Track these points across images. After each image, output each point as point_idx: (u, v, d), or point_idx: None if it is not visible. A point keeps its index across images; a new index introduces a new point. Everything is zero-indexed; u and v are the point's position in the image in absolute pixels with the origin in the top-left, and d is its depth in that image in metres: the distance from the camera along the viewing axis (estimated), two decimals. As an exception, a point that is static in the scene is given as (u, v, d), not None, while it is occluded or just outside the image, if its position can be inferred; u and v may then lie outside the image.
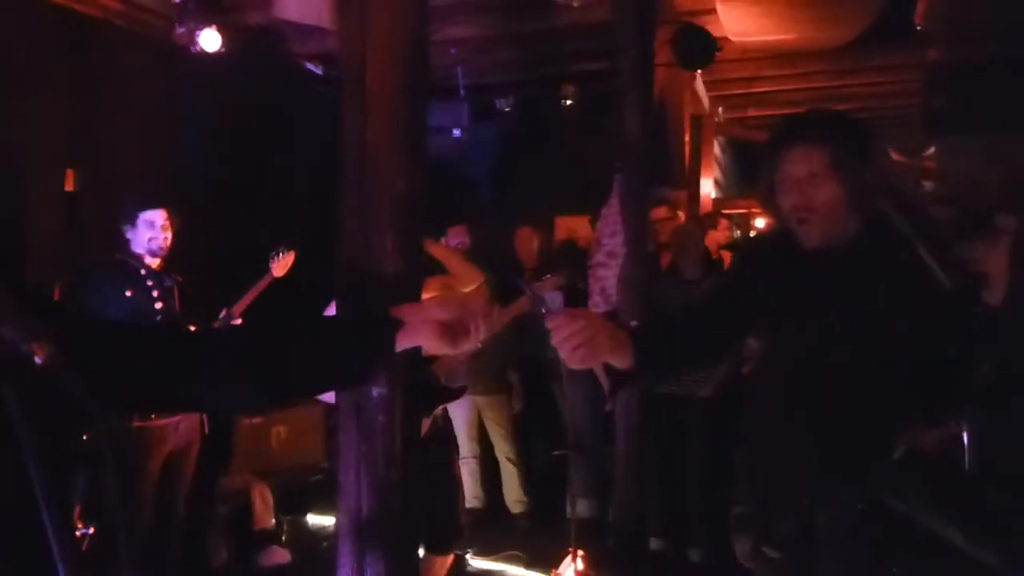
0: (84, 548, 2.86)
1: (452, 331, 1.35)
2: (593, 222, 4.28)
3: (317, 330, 1.43)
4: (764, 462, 1.89)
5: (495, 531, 4.47)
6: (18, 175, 3.64)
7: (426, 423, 2.95)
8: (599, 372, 1.68)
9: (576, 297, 4.09)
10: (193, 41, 4.26)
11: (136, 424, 3.30)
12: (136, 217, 3.36)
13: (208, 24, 4.29)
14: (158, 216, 3.39)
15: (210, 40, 4.26)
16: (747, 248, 2.36)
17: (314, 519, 4.89)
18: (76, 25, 3.95)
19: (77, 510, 3.03)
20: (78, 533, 2.84)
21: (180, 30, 4.27)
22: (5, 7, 3.55)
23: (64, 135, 3.92)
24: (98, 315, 3.23)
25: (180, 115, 4.31)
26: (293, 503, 4.73)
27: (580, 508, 4.35)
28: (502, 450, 4.66)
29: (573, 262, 4.54)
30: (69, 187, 3.90)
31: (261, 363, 1.29)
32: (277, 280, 3.90)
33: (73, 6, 3.93)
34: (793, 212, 1.68)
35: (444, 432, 3.22)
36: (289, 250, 3.93)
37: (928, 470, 1.94)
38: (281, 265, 3.91)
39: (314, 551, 4.51)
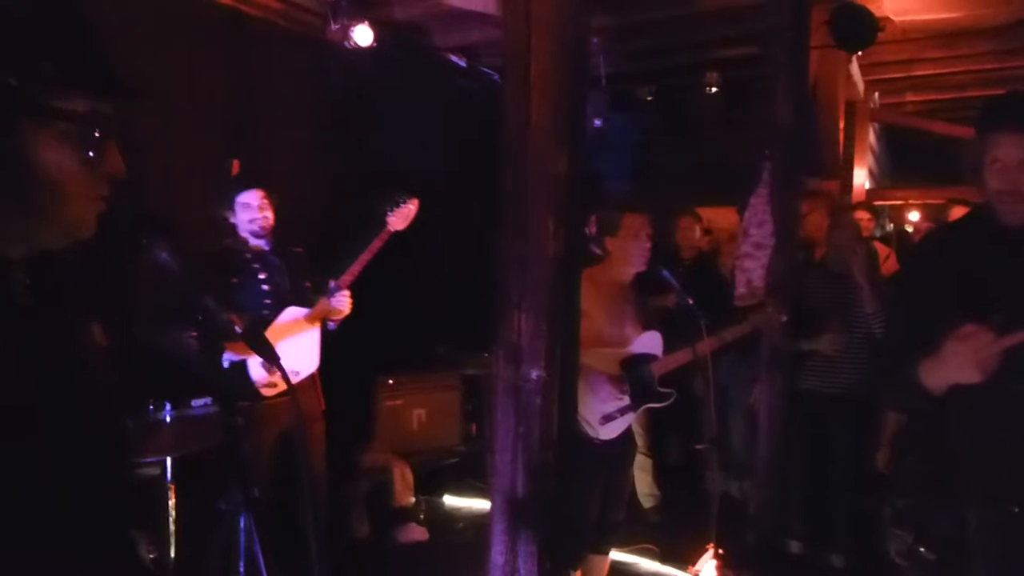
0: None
1: None
2: (740, 212, 4.15)
3: None
4: (932, 462, 1.84)
5: (627, 524, 4.44)
6: (188, 164, 3.90)
7: (629, 420, 2.96)
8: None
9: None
10: (347, 37, 4.43)
11: (244, 405, 3.27)
12: (233, 201, 3.39)
13: (360, 20, 4.45)
14: (254, 197, 3.38)
15: (362, 35, 4.42)
16: (930, 241, 2.25)
17: (450, 500, 5.01)
18: (239, 23, 4.20)
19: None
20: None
21: (334, 27, 4.44)
22: (175, 7, 3.80)
23: (230, 126, 4.18)
24: (204, 303, 3.38)
25: (333, 107, 4.51)
26: (430, 484, 4.87)
27: (718, 504, 4.24)
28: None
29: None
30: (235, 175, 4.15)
31: None
32: (398, 234, 3.50)
33: (239, 6, 4.17)
34: (1001, 196, 1.72)
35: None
36: (410, 197, 3.50)
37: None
38: (401, 216, 3.47)
39: (450, 531, 4.63)
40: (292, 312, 3.46)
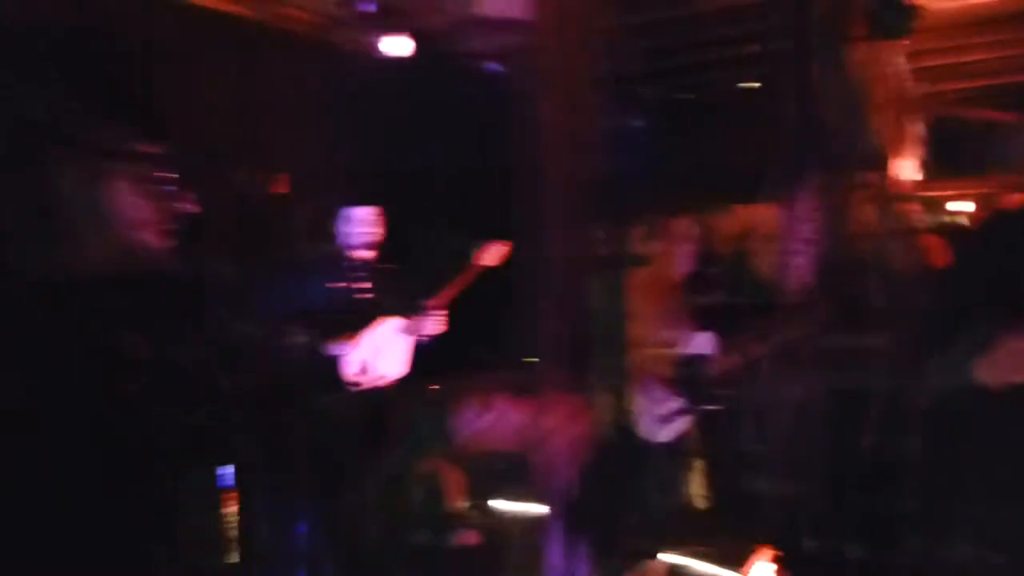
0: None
1: None
2: (785, 208, 4.10)
3: None
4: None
5: (676, 527, 4.41)
6: (216, 179, 3.97)
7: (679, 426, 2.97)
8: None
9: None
10: (379, 47, 4.49)
11: (329, 401, 3.55)
12: (347, 213, 3.61)
13: (392, 30, 4.50)
14: (367, 212, 3.64)
15: (395, 45, 4.47)
16: (984, 232, 2.22)
17: (501, 505, 5.02)
18: (268, 37, 4.26)
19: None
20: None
21: (366, 38, 4.51)
22: (199, 20, 3.87)
23: (255, 140, 4.24)
24: (310, 304, 3.52)
25: (366, 119, 4.55)
26: (481, 487, 4.89)
27: (775, 507, 4.18)
28: (688, 443, 4.58)
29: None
30: (281, 189, 4.22)
31: None
32: (488, 270, 3.98)
33: (276, 23, 4.24)
34: None
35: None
36: (503, 242, 3.97)
37: None
38: (492, 255, 3.97)
39: (502, 535, 4.63)
40: (390, 323, 3.74)
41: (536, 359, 4.92)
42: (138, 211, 1.07)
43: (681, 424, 2.97)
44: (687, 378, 2.96)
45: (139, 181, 1.07)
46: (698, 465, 4.55)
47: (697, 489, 4.60)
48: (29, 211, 1.01)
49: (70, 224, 1.04)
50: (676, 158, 6.02)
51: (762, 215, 5.33)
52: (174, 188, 1.10)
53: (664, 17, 4.72)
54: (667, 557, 4.08)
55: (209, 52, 3.88)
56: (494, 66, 5.40)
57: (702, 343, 3.05)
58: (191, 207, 1.12)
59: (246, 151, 4.09)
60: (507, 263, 4.05)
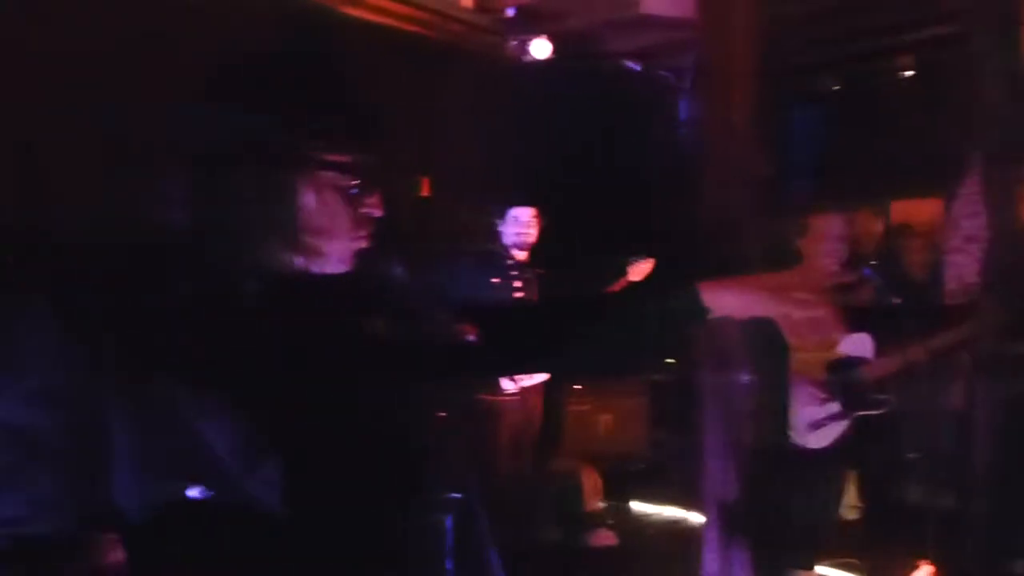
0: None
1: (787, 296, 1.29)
2: (948, 204, 3.86)
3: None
4: None
5: (836, 536, 4.24)
6: (382, 183, 4.15)
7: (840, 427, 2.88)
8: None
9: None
10: (524, 51, 4.56)
11: (484, 397, 3.64)
12: (506, 212, 3.71)
13: (537, 34, 4.57)
14: (526, 213, 3.71)
15: (540, 48, 4.54)
16: None
17: (638, 506, 5.00)
18: (424, 47, 4.42)
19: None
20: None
21: (512, 42, 4.59)
22: (364, 36, 4.06)
23: (419, 147, 4.40)
24: (466, 300, 3.64)
25: (515, 122, 4.64)
26: (617, 489, 4.88)
27: (930, 518, 3.95)
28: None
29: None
30: (424, 193, 4.38)
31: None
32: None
33: (424, 31, 4.39)
34: None
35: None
36: (648, 257, 4.04)
37: None
38: (638, 271, 4.03)
39: (640, 536, 4.61)
40: None
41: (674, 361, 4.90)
42: (331, 217, 1.14)
43: (834, 430, 2.84)
44: (842, 382, 2.83)
45: (332, 189, 1.15)
46: (854, 474, 4.36)
47: (853, 499, 4.40)
48: (244, 215, 1.11)
49: (272, 228, 1.12)
50: (827, 151, 5.79)
51: (920, 210, 5.04)
52: (364, 194, 1.18)
53: (822, 6, 4.53)
54: (822, 569, 3.94)
55: (382, 65, 4.08)
56: (651, 66, 5.38)
57: (858, 345, 2.91)
58: (378, 212, 1.19)
59: (417, 156, 4.29)
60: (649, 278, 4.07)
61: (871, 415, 2.97)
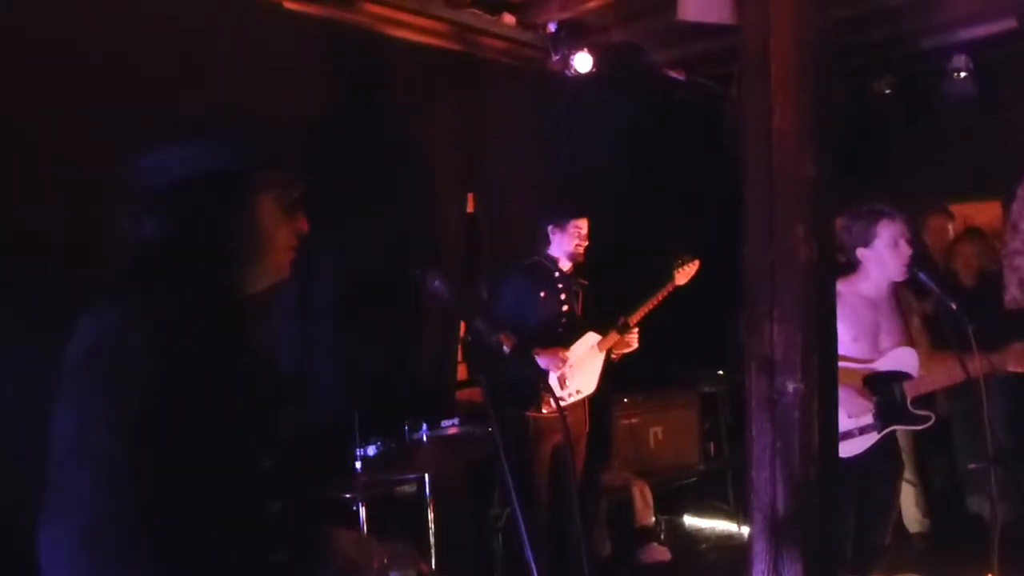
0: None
1: None
2: (1006, 205, 3.74)
3: None
4: None
5: (892, 551, 4.11)
6: (429, 200, 4.20)
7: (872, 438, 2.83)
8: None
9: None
10: (567, 66, 4.56)
11: (529, 414, 3.63)
12: (568, 221, 3.70)
13: (579, 48, 4.56)
14: (584, 224, 3.72)
15: (582, 62, 4.53)
16: None
17: (690, 520, 4.92)
18: (468, 66, 4.46)
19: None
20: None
21: (555, 57, 4.59)
22: (408, 56, 4.11)
23: (462, 163, 4.44)
24: (512, 311, 3.65)
25: (559, 136, 4.65)
26: (669, 503, 4.81)
27: (998, 533, 3.80)
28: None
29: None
30: (469, 209, 4.41)
31: None
32: (678, 288, 4.01)
33: (470, 51, 4.43)
34: None
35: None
36: (694, 259, 4.00)
37: None
38: (684, 274, 3.99)
39: (693, 551, 4.54)
40: (590, 337, 3.82)
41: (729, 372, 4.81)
42: (282, 235, 1.32)
43: (865, 441, 2.78)
44: (879, 396, 2.77)
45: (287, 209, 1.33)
46: (908, 488, 4.23)
47: (910, 513, 4.27)
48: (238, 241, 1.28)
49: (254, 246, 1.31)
50: (884, 154, 5.65)
51: (979, 212, 4.89)
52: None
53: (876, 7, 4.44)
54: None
55: (411, 83, 4.13)
56: (679, 74, 5.35)
57: (902, 359, 2.84)
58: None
59: (462, 173, 4.34)
60: (696, 281, 4.02)
61: (912, 428, 2.90)
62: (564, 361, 3.67)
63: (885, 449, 2.87)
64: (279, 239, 1.30)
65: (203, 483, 1.10)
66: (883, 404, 2.82)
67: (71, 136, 2.73)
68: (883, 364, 2.87)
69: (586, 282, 3.87)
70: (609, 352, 3.86)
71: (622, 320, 3.84)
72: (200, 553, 1.10)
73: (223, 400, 1.15)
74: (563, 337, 3.74)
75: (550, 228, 3.73)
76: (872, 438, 2.82)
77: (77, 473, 1.06)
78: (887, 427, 2.84)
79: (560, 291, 3.74)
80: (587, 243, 3.73)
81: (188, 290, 1.19)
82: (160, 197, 1.25)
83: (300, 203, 1.34)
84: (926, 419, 2.90)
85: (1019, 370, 2.83)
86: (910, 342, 2.92)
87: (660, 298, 3.92)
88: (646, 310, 3.88)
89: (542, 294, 3.69)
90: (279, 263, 1.33)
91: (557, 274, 3.75)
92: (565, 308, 3.74)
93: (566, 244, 3.70)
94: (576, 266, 3.81)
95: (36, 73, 2.70)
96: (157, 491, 1.05)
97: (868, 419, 2.81)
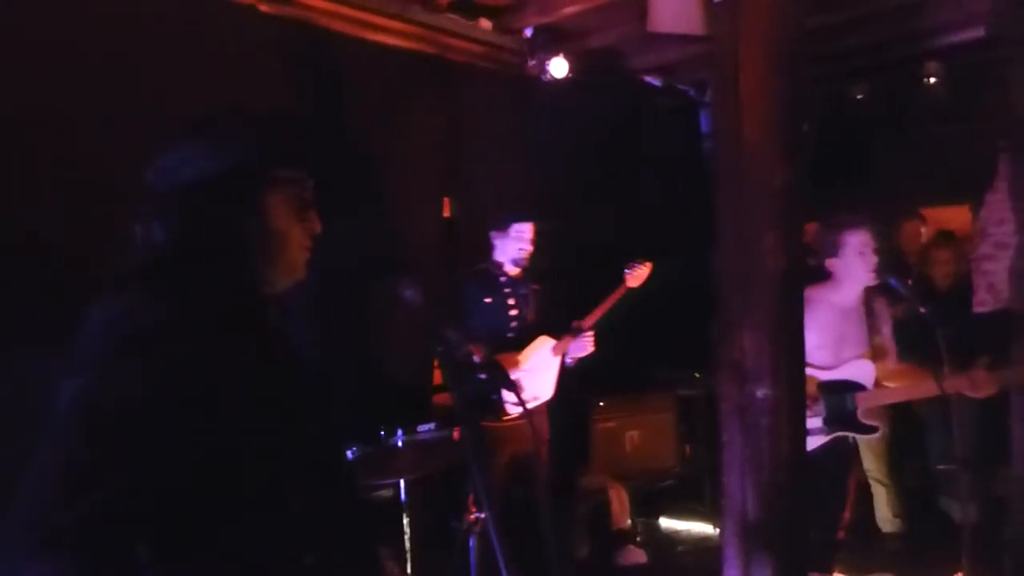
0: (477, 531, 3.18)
1: None
2: (975, 211, 3.80)
3: None
4: None
5: (864, 551, 4.16)
6: (404, 204, 4.19)
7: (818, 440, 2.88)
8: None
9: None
10: (544, 70, 4.57)
11: (485, 424, 3.58)
12: (508, 226, 3.66)
13: (556, 53, 4.57)
14: (527, 229, 3.67)
15: (559, 67, 4.54)
16: None
17: (667, 522, 4.94)
18: (444, 70, 4.46)
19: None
20: (472, 517, 3.17)
21: (532, 62, 4.60)
22: (385, 60, 4.10)
23: (439, 167, 4.43)
24: (463, 319, 3.64)
25: (536, 141, 4.65)
26: (646, 506, 4.84)
27: (968, 533, 3.86)
28: (871, 468, 4.32)
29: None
30: (446, 213, 4.40)
31: None
32: (632, 291, 3.94)
33: (443, 54, 4.43)
34: None
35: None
36: (645, 261, 3.95)
37: None
38: (636, 276, 3.93)
39: (670, 553, 4.56)
40: (542, 341, 3.77)
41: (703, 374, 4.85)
42: (296, 233, 1.33)
43: (811, 442, 2.85)
44: (829, 403, 2.84)
45: (300, 208, 1.32)
46: (879, 489, 4.28)
47: (882, 513, 4.32)
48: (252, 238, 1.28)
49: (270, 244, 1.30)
50: (860, 160, 5.72)
51: (948, 217, 4.97)
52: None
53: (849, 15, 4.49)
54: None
55: (385, 88, 4.12)
56: (656, 80, 5.38)
57: (858, 370, 2.90)
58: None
59: (442, 177, 4.32)
60: (648, 284, 4.00)
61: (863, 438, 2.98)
62: (516, 365, 3.64)
63: (835, 450, 2.94)
64: (292, 239, 1.31)
65: (203, 483, 1.09)
66: (833, 410, 2.88)
67: (71, 136, 2.71)
68: (841, 373, 2.93)
69: (538, 286, 3.81)
70: (567, 357, 3.82)
71: (575, 324, 3.80)
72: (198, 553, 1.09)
73: (223, 401, 1.13)
74: (513, 342, 3.69)
75: (492, 233, 3.70)
76: (819, 440, 2.89)
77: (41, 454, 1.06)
78: (834, 432, 2.91)
79: (507, 296, 3.69)
80: (531, 248, 3.66)
81: (200, 290, 1.19)
82: (171, 200, 1.25)
83: (312, 203, 1.34)
84: (873, 429, 2.99)
85: (976, 395, 2.88)
86: (871, 355, 2.99)
87: (612, 301, 3.87)
88: (599, 313, 3.84)
89: (487, 300, 3.65)
90: (294, 263, 1.34)
91: (503, 279, 3.70)
92: (514, 313, 3.70)
93: (509, 249, 3.65)
94: (538, 271, 3.77)
95: (36, 73, 2.68)
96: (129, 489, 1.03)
97: (817, 422, 2.88)
